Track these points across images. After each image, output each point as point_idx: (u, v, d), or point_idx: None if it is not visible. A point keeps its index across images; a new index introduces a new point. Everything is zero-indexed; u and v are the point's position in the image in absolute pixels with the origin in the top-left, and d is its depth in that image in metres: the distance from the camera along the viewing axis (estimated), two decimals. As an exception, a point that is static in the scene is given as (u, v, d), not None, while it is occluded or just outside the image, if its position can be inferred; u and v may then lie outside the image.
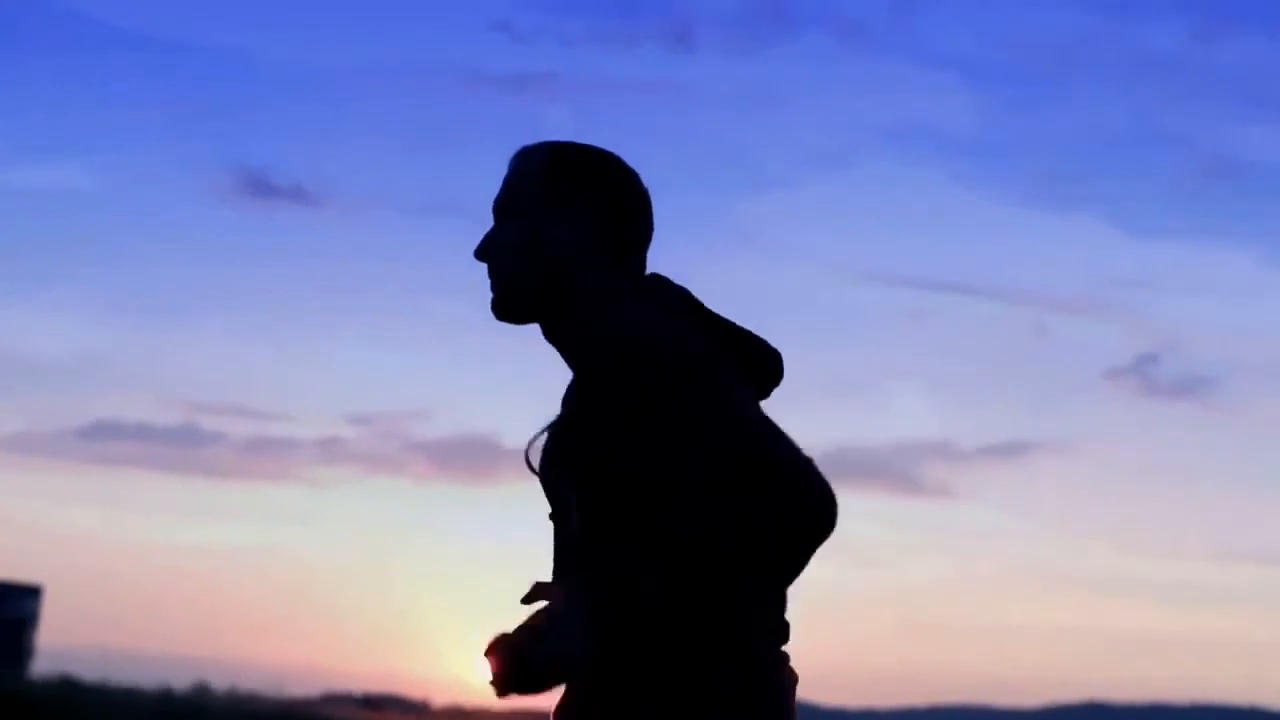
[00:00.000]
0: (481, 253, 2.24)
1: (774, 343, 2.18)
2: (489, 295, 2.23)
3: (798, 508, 1.94)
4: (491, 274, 2.23)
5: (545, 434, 2.20)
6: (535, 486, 2.24)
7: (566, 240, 2.18)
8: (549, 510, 2.21)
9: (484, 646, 2.06)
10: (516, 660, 2.04)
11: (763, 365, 2.16)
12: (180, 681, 22.23)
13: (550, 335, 2.22)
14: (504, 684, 2.04)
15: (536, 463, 2.21)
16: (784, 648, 2.11)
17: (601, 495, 2.06)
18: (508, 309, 2.22)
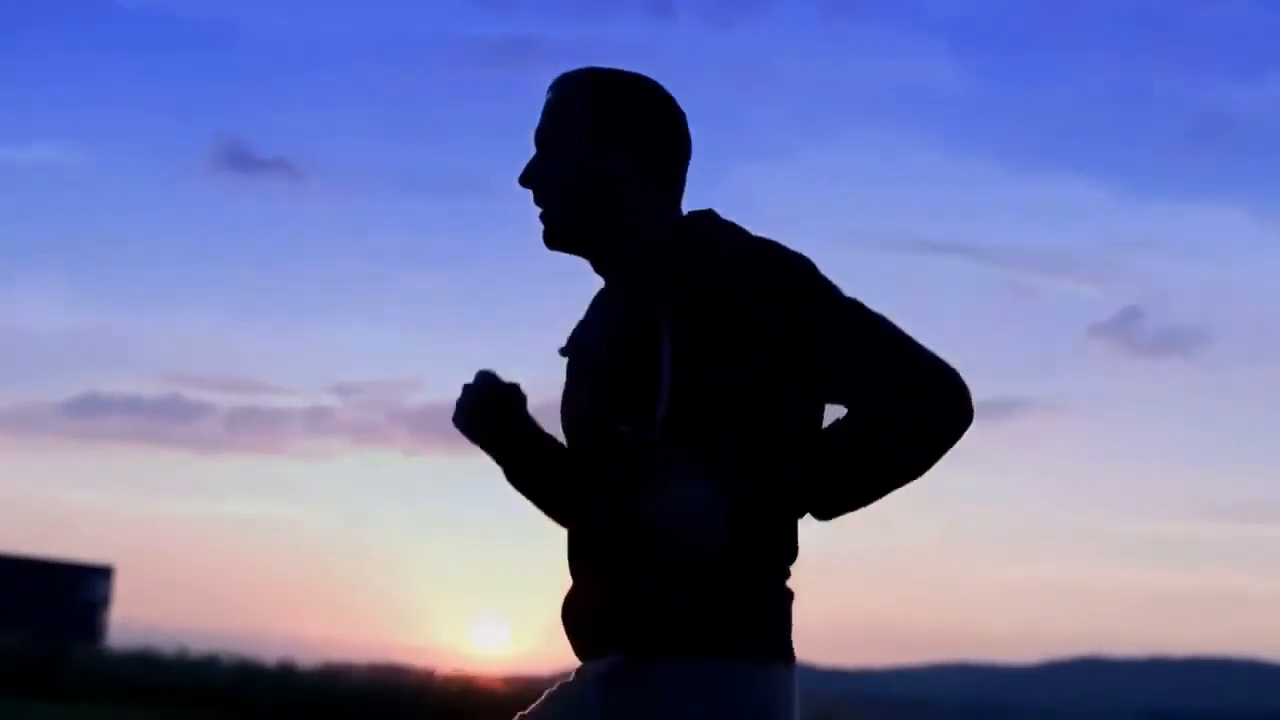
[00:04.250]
0: (526, 180, 2.17)
1: None
2: (537, 225, 2.17)
3: (959, 409, 1.98)
4: (540, 204, 2.16)
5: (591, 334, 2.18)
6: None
7: (616, 170, 2.12)
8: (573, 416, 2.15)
9: (476, 374, 2.09)
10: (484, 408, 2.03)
11: None
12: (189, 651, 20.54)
13: (600, 265, 2.17)
14: (466, 423, 2.08)
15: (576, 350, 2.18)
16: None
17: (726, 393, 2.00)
18: (561, 239, 2.15)
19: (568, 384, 2.21)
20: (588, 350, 2.17)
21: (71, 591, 29.49)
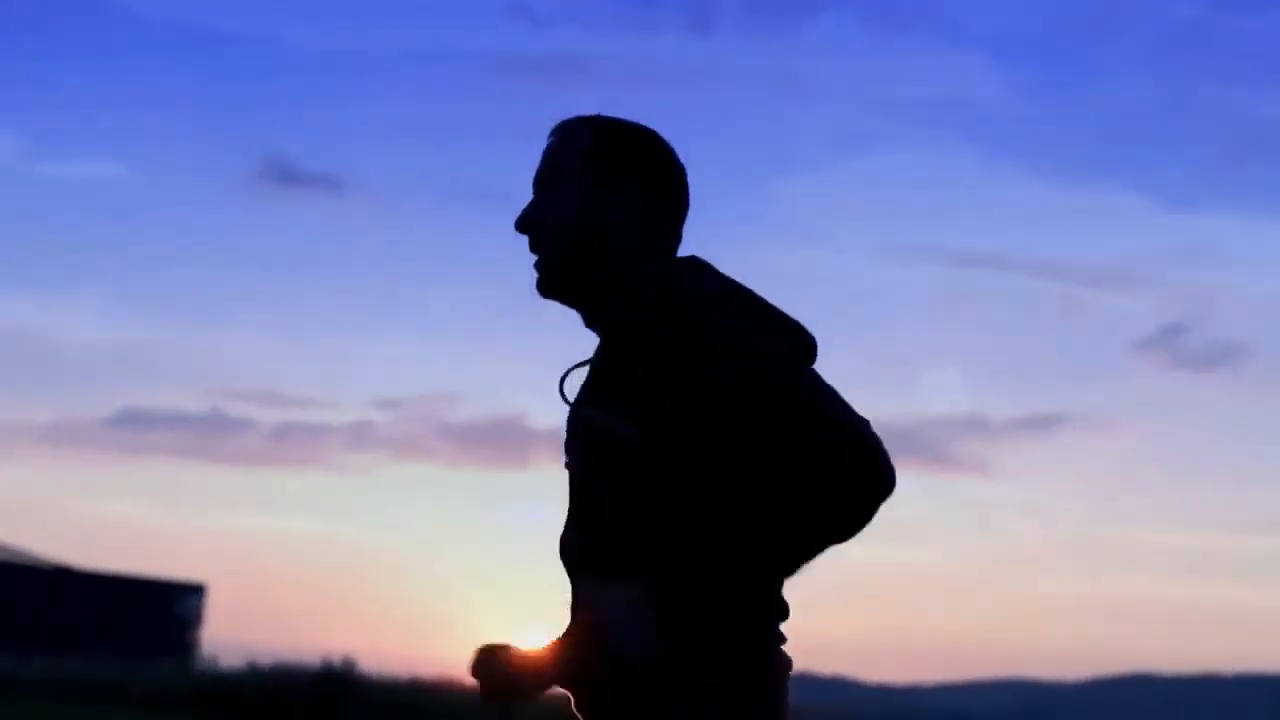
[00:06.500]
0: (522, 225, 2.06)
1: (806, 321, 2.01)
2: (532, 272, 2.07)
3: (873, 473, 1.81)
4: (536, 250, 2.05)
5: (581, 370, 2.07)
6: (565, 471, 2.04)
7: (613, 219, 2.02)
8: (566, 460, 2.03)
9: (470, 662, 1.96)
10: (500, 675, 1.93)
11: (797, 347, 1.97)
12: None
13: (593, 317, 2.05)
14: (492, 696, 1.94)
15: (570, 396, 2.05)
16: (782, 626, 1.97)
17: (643, 461, 1.89)
18: (555, 287, 2.05)
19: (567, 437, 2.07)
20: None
21: (165, 609, 29.93)
